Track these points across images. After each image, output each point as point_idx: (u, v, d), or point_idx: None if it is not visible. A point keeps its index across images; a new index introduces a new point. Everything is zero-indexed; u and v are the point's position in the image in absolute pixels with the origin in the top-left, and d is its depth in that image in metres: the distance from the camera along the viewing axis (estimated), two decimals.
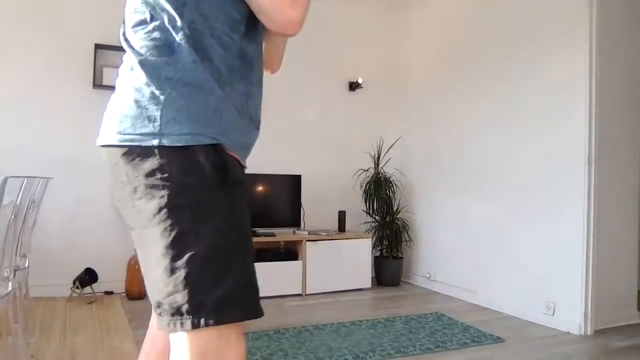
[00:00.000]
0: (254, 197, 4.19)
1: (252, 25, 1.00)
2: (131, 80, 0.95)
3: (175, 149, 0.89)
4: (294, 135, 4.54)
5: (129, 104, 0.92)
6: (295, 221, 4.28)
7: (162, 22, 0.93)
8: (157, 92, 0.91)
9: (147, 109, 0.90)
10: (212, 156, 0.91)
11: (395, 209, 4.57)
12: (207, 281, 0.87)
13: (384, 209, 4.53)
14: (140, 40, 0.95)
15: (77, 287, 3.52)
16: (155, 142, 0.88)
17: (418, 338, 2.88)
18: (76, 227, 3.76)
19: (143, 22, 0.96)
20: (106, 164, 0.96)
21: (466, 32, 4.07)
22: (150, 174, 0.89)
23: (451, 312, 3.50)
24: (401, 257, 4.53)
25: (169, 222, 0.88)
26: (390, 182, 4.60)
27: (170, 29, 0.93)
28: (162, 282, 0.89)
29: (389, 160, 4.74)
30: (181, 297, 0.87)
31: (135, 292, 3.70)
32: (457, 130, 4.10)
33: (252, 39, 1.02)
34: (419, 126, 4.60)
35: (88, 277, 3.57)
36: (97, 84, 3.77)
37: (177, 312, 0.88)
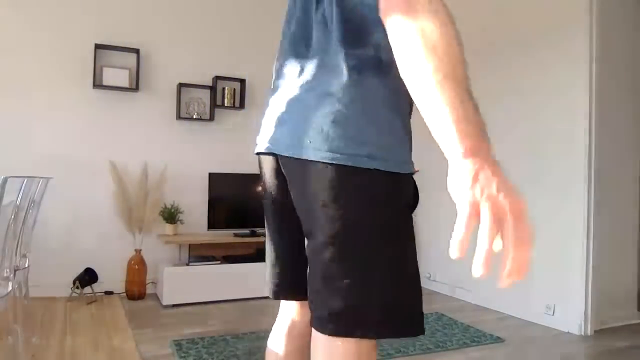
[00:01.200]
0: (254, 197, 4.19)
1: None
2: (330, 90, 0.91)
3: (384, 173, 0.90)
4: None
5: (330, 118, 0.89)
6: None
7: (362, 33, 0.91)
8: (359, 111, 0.90)
9: (351, 127, 0.89)
10: (409, 182, 0.95)
11: None
12: (372, 296, 0.89)
13: None
14: (349, 48, 0.92)
15: (77, 287, 3.52)
16: (364, 163, 0.88)
17: (418, 338, 2.88)
18: (76, 227, 3.76)
19: (350, 30, 0.93)
20: (293, 174, 0.97)
21: (466, 32, 4.04)
22: (357, 189, 0.90)
23: (451, 312, 3.50)
24: None
25: (361, 235, 0.90)
26: None
27: (366, 41, 0.91)
28: (331, 284, 0.91)
29: None
30: (340, 304, 0.89)
31: (135, 292, 3.70)
32: None
33: None
34: (418, 126, 4.58)
35: (88, 277, 3.57)
36: (97, 84, 3.77)
37: (333, 316, 0.90)
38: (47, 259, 3.57)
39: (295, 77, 0.99)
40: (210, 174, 4.00)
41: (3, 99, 3.58)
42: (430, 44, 0.74)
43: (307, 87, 0.95)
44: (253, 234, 4.01)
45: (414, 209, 0.97)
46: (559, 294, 3.15)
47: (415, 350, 2.67)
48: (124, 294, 3.76)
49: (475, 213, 0.68)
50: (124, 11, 3.93)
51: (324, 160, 0.89)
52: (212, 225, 3.96)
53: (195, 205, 4.07)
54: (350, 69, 0.91)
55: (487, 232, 0.67)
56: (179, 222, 3.96)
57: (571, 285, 3.07)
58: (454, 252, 0.68)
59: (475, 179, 0.69)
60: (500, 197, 0.68)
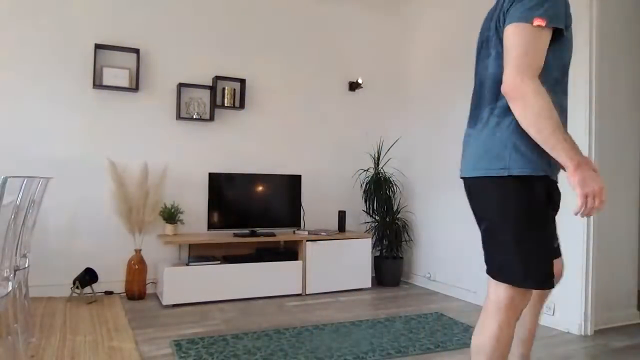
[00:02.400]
0: (254, 197, 4.19)
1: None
2: (483, 131, 1.54)
3: (515, 177, 1.45)
4: (294, 135, 4.54)
5: (482, 148, 1.52)
6: (295, 221, 4.28)
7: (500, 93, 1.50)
8: (497, 141, 1.49)
9: (493, 151, 1.49)
10: (536, 181, 1.47)
11: (395, 209, 4.57)
12: (519, 258, 1.46)
13: (384, 209, 4.53)
14: None
15: (77, 287, 3.52)
16: (500, 173, 1.47)
17: (418, 338, 2.88)
18: (76, 227, 3.76)
19: (495, 92, 1.53)
20: (469, 188, 1.60)
21: (466, 31, 4.06)
22: (501, 190, 1.49)
23: (451, 312, 3.50)
24: (401, 257, 4.53)
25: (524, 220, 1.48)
26: (390, 182, 4.60)
27: (501, 96, 1.50)
28: (499, 251, 1.50)
29: (389, 160, 4.74)
30: (497, 265, 1.51)
31: (135, 292, 3.70)
32: (457, 129, 4.09)
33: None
34: (419, 126, 4.60)
35: (88, 277, 3.57)
36: (97, 84, 3.77)
37: (499, 270, 1.50)
38: (47, 259, 3.57)
39: (471, 124, 1.64)
40: (210, 174, 4.00)
41: (3, 99, 3.58)
42: (536, 112, 1.34)
43: (472, 130, 1.61)
44: (253, 234, 4.01)
45: (551, 203, 1.52)
46: (559, 294, 3.14)
47: (415, 350, 2.67)
48: (124, 294, 3.76)
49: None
50: (124, 11, 3.93)
51: (479, 175, 1.52)
52: (212, 225, 3.96)
53: (195, 205, 4.07)
54: (495, 116, 1.49)
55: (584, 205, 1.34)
56: (179, 222, 3.96)
57: (571, 285, 3.07)
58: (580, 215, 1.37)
59: (581, 181, 1.33)
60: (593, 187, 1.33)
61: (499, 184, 1.47)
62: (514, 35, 1.38)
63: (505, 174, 1.44)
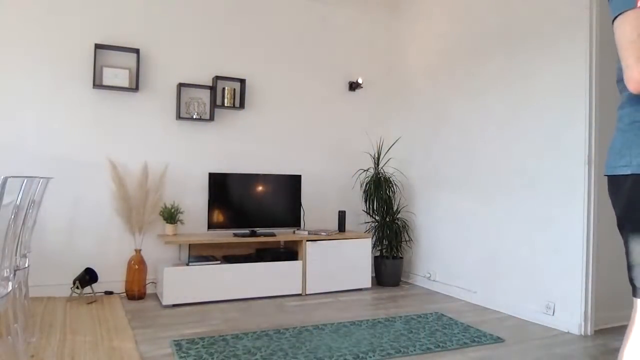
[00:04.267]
0: (254, 197, 4.19)
1: None
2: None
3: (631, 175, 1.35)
4: (294, 135, 4.54)
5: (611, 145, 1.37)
6: (295, 221, 4.28)
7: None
8: (617, 135, 1.35)
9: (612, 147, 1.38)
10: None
11: (395, 209, 4.57)
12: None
13: (384, 209, 4.53)
14: None
15: (77, 287, 3.52)
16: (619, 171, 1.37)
17: (418, 338, 2.88)
18: (76, 227, 3.76)
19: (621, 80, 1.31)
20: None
21: (466, 32, 4.07)
22: (619, 187, 1.42)
23: (451, 312, 3.50)
24: (401, 257, 4.53)
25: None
26: (390, 182, 4.60)
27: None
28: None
29: (389, 160, 4.74)
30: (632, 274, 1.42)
31: (135, 292, 3.70)
32: (457, 130, 4.10)
33: None
34: (419, 126, 4.60)
35: (88, 277, 3.57)
36: (97, 84, 3.77)
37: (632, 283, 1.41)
38: (47, 259, 3.58)
39: None
40: (210, 174, 4.00)
41: (3, 99, 3.58)
42: None
43: None
44: (253, 234, 4.01)
45: None
46: (559, 294, 3.15)
47: (415, 350, 2.67)
48: (124, 294, 3.76)
49: None
50: (124, 11, 3.93)
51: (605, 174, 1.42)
52: (212, 225, 3.96)
53: (195, 205, 4.07)
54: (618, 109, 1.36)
55: None
56: (179, 222, 3.96)
57: (571, 285, 3.07)
58: None
59: None
60: None
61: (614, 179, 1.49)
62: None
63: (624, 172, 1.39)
